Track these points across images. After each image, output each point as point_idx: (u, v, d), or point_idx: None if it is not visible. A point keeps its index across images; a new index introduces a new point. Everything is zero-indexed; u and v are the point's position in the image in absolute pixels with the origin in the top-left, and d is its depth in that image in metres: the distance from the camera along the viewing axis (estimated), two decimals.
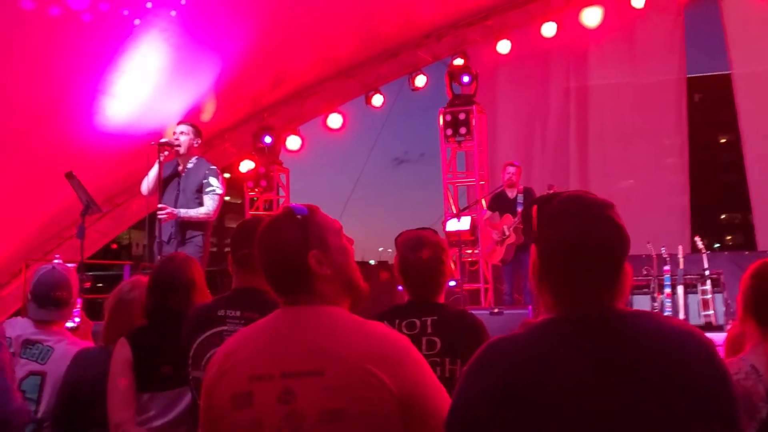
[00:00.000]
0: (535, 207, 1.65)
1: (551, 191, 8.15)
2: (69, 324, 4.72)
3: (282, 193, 12.39)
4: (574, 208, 1.60)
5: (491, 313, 6.65)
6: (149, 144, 5.90)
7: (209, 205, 5.86)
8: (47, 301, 3.44)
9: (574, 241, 1.56)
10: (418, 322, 2.61)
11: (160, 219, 5.76)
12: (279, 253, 1.88)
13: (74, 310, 3.64)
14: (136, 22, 7.77)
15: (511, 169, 8.66)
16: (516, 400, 1.48)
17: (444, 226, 9.99)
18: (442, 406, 1.65)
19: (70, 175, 5.96)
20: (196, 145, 6.04)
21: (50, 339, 3.42)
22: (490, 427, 1.49)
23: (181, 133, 5.95)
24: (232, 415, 1.76)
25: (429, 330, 2.58)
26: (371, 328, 1.81)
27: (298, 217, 1.88)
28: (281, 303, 1.89)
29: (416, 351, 1.80)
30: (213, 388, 1.83)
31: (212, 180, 5.89)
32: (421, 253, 2.69)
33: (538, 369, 1.50)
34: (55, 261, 3.80)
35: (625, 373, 1.45)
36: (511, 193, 8.65)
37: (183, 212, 5.78)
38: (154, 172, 5.92)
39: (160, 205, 5.78)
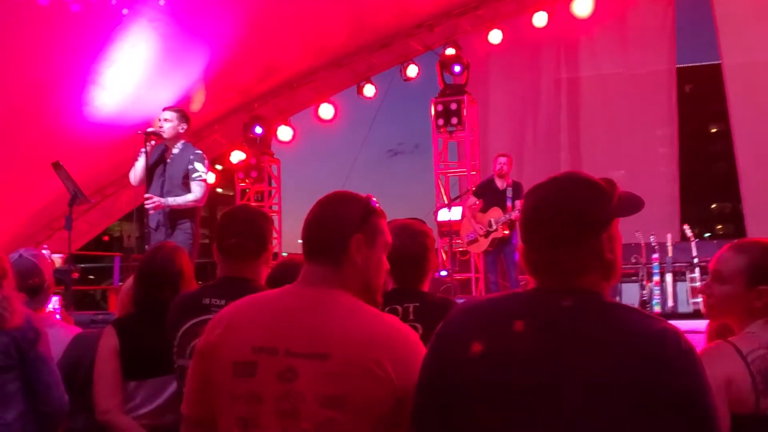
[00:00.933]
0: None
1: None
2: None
3: (273, 183, 12.39)
4: (550, 179, 1.59)
5: None
6: (136, 133, 5.85)
7: (197, 191, 5.82)
8: (21, 290, 3.38)
9: (543, 203, 1.55)
10: (400, 308, 2.61)
11: (147, 209, 5.72)
12: (332, 216, 1.87)
13: (50, 294, 3.60)
14: (125, 11, 7.74)
15: (503, 160, 8.64)
16: (460, 367, 1.50)
17: (435, 216, 10.00)
18: None
19: (57, 166, 5.93)
20: (182, 131, 5.94)
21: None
22: (439, 389, 1.53)
23: (165, 120, 5.88)
24: (232, 383, 1.74)
25: (411, 317, 2.59)
26: (383, 319, 1.80)
27: (372, 203, 1.90)
28: (299, 279, 1.87)
29: (423, 347, 1.76)
30: (213, 352, 1.80)
31: (198, 165, 5.83)
32: (404, 239, 2.69)
33: (483, 338, 1.50)
34: (43, 252, 3.78)
35: (569, 362, 1.42)
36: (500, 184, 8.64)
37: (171, 201, 5.74)
38: (140, 161, 5.88)
39: (146, 195, 5.74)
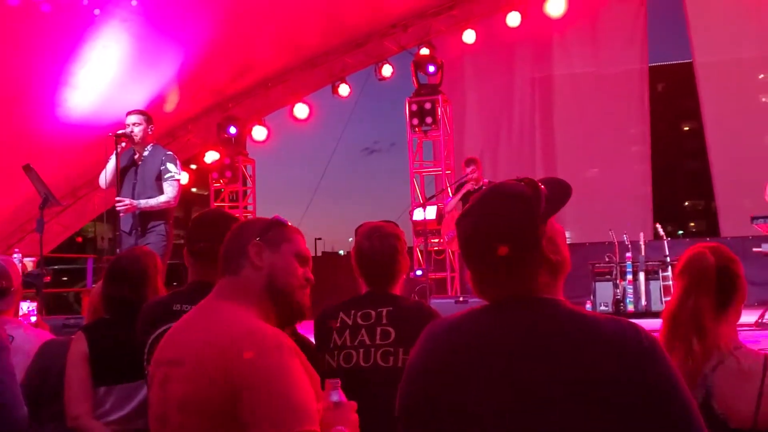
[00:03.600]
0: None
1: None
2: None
3: (248, 183, 12.34)
4: (479, 196, 1.60)
5: (456, 302, 6.70)
6: (106, 135, 5.80)
7: (169, 192, 5.78)
8: None
9: (470, 231, 1.56)
10: (373, 312, 2.61)
11: (119, 212, 5.67)
12: (235, 230, 1.99)
13: (17, 299, 3.56)
14: (96, 12, 7.67)
15: (468, 170, 8.54)
16: (437, 381, 1.52)
17: (411, 216, 10.01)
18: (272, 400, 1.64)
19: (27, 168, 5.86)
20: (150, 132, 5.95)
21: (7, 327, 3.38)
22: (419, 402, 1.54)
23: (134, 124, 5.85)
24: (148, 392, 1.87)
25: (384, 321, 2.59)
26: (240, 322, 1.79)
27: (276, 219, 1.98)
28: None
29: (268, 346, 1.73)
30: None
31: (170, 166, 5.81)
32: (375, 241, 2.69)
33: (455, 351, 1.53)
34: (15, 255, 3.74)
35: (533, 367, 1.44)
36: (475, 186, 8.64)
37: (143, 203, 5.69)
38: (111, 164, 5.83)
39: (117, 198, 5.69)
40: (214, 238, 2.60)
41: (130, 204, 5.63)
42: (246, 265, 1.89)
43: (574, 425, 1.38)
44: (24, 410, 2.73)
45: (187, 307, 2.52)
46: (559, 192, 1.61)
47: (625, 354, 1.41)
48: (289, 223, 1.99)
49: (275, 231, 1.94)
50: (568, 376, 1.40)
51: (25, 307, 5.94)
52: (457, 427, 1.47)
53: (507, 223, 1.53)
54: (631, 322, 1.47)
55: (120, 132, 5.79)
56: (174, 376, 1.75)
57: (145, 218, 5.77)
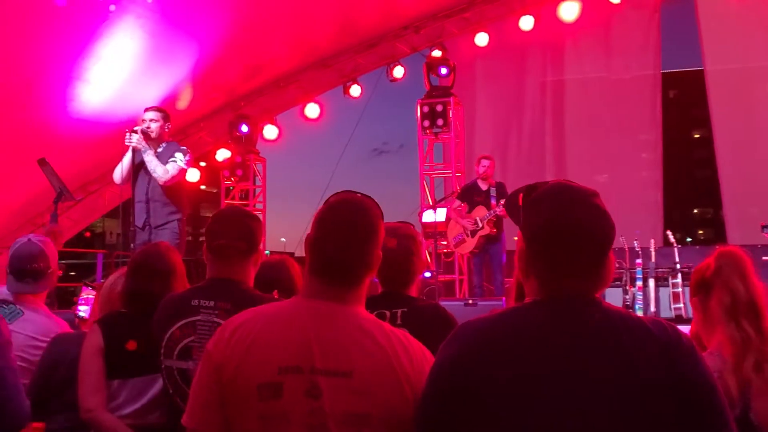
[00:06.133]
0: (521, 194, 1.66)
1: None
2: (81, 314, 4.75)
3: (258, 182, 12.36)
4: (560, 192, 1.62)
5: (466, 305, 6.67)
6: (123, 131, 5.84)
7: (168, 168, 5.87)
8: (24, 273, 3.44)
9: (560, 223, 1.58)
10: (388, 313, 2.62)
11: (130, 141, 5.76)
12: (354, 241, 1.84)
13: (52, 282, 3.62)
14: (112, 8, 7.69)
15: (486, 162, 8.68)
16: (477, 371, 1.53)
17: (420, 217, 10.02)
18: None
19: (42, 162, 5.89)
20: (167, 130, 6.01)
21: (24, 305, 3.45)
22: (454, 394, 1.55)
23: (152, 120, 5.91)
24: (259, 406, 1.72)
25: (399, 321, 2.59)
26: (394, 333, 1.81)
27: (377, 209, 1.90)
28: (309, 291, 1.86)
29: (432, 357, 1.78)
30: (234, 374, 1.77)
31: (177, 155, 5.91)
32: (391, 243, 2.70)
33: (504, 343, 1.54)
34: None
35: (593, 363, 1.48)
36: (483, 185, 8.68)
37: (149, 153, 5.81)
38: (127, 158, 5.87)
39: (134, 128, 5.81)
40: (232, 236, 2.64)
41: (138, 142, 5.73)
42: (367, 278, 1.87)
43: (622, 419, 1.44)
44: (27, 403, 2.75)
45: (205, 303, 2.55)
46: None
47: (668, 351, 1.48)
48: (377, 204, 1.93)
49: (379, 231, 1.89)
50: (619, 373, 1.46)
51: None
52: (513, 419, 1.49)
53: (610, 226, 1.60)
54: (670, 322, 1.55)
55: (136, 128, 5.84)
56: (334, 387, 1.69)
57: (158, 214, 5.82)
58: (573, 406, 1.45)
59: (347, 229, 1.84)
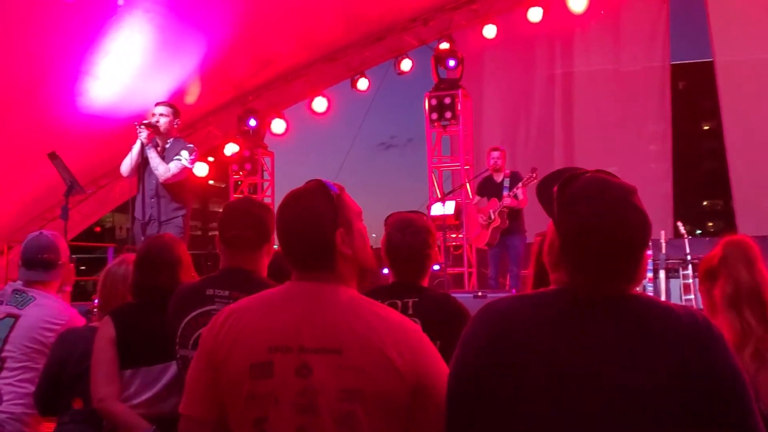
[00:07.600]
0: (555, 187, 1.63)
1: (534, 175, 8.15)
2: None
3: (266, 176, 12.38)
4: (598, 191, 1.57)
5: (475, 297, 6.67)
6: (132, 126, 5.88)
7: (171, 166, 5.90)
8: (34, 262, 3.54)
9: (597, 226, 1.53)
10: (399, 302, 2.63)
11: (139, 132, 5.81)
12: (307, 227, 1.86)
13: (63, 274, 3.68)
14: (120, 2, 7.71)
15: (496, 154, 8.67)
16: (501, 353, 1.53)
17: (428, 211, 10.02)
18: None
19: (53, 156, 5.92)
20: (176, 126, 6.04)
21: (36, 292, 3.52)
22: (479, 375, 1.55)
23: (161, 114, 5.95)
24: (250, 384, 1.74)
25: (410, 311, 2.60)
26: (386, 313, 1.83)
27: (331, 193, 1.88)
28: (295, 276, 1.88)
29: (428, 339, 1.81)
30: (226, 357, 1.80)
31: (183, 153, 5.94)
32: (407, 234, 2.70)
33: (527, 328, 1.54)
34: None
35: (624, 356, 1.48)
36: (497, 177, 8.67)
37: (153, 151, 5.84)
38: (135, 150, 5.91)
39: (145, 122, 5.86)
40: (245, 226, 2.66)
41: (147, 137, 5.81)
42: (337, 259, 1.85)
43: (653, 408, 1.44)
44: None
45: (220, 292, 2.57)
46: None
47: (698, 339, 1.49)
48: (335, 185, 1.92)
49: (341, 205, 1.88)
50: (649, 364, 1.46)
51: None
52: (543, 400, 1.49)
53: (648, 226, 1.58)
54: (699, 311, 1.55)
55: (146, 121, 5.86)
56: (324, 365, 1.71)
57: (166, 210, 5.85)
58: (602, 394, 1.46)
59: (295, 220, 1.87)
